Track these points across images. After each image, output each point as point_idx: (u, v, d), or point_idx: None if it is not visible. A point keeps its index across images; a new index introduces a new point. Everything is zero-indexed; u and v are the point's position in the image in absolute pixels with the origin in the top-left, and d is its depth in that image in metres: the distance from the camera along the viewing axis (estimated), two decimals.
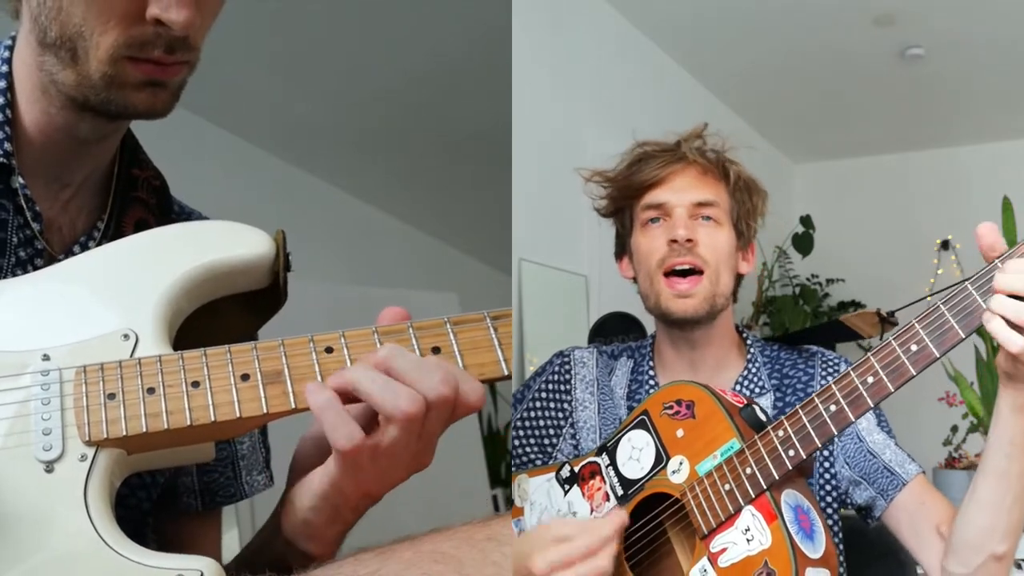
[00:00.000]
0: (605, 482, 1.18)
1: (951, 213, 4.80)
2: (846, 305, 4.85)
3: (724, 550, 1.04)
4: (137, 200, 1.10)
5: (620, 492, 1.16)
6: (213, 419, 0.85)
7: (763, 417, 1.10)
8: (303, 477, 0.90)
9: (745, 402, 1.12)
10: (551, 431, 1.37)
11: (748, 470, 1.05)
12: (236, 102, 3.52)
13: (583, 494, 1.19)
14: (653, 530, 1.14)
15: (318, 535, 0.90)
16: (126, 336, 0.89)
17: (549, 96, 3.12)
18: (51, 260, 1.01)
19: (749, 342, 1.37)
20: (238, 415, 0.86)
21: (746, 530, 1.04)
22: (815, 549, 1.03)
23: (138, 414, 0.85)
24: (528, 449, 1.37)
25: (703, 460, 1.09)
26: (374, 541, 0.84)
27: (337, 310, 2.41)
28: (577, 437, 1.35)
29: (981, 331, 0.96)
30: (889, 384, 0.99)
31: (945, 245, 4.87)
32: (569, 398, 1.38)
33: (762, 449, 1.05)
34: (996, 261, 0.95)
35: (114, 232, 1.07)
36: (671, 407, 1.15)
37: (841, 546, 1.31)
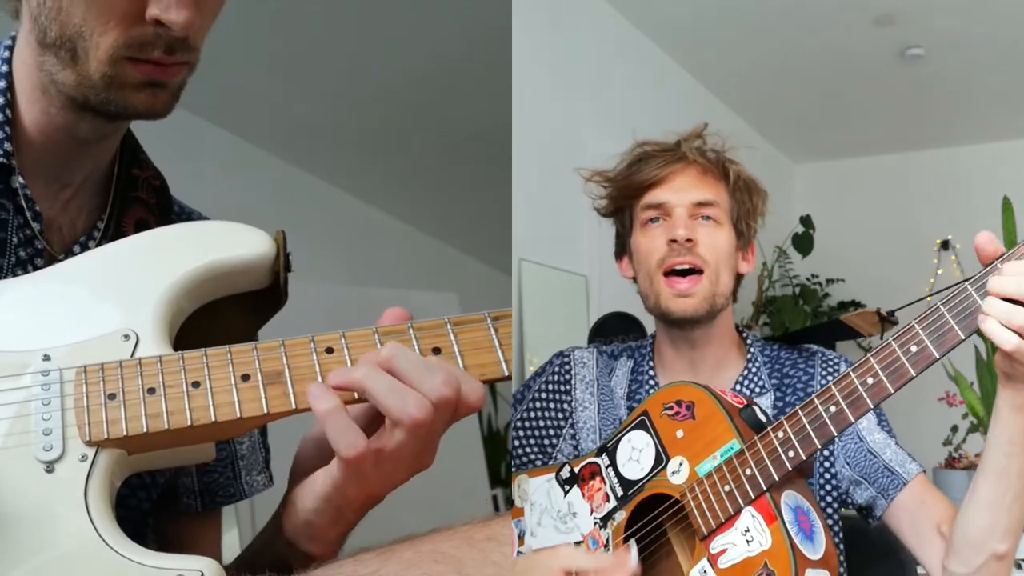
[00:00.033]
0: (605, 483, 1.18)
1: (951, 213, 4.80)
2: (846, 305, 4.85)
3: (724, 551, 1.04)
4: (137, 200, 1.10)
5: (620, 493, 1.16)
6: (214, 419, 0.85)
7: (763, 418, 1.10)
8: (305, 478, 0.90)
9: (745, 403, 1.12)
10: (551, 432, 1.37)
11: (748, 471, 1.05)
12: (236, 102, 3.52)
13: (583, 495, 1.19)
14: (653, 531, 1.14)
15: (320, 536, 0.90)
16: (126, 336, 0.89)
17: (549, 96, 3.12)
18: (51, 260, 1.01)
19: (749, 342, 1.37)
20: (239, 415, 0.86)
21: (746, 531, 1.04)
22: (815, 550, 1.03)
23: (139, 414, 0.85)
24: (528, 449, 1.37)
25: (703, 461, 1.09)
26: (375, 541, 0.84)
27: (337, 310, 2.41)
28: (577, 438, 1.35)
29: (981, 332, 0.96)
30: (889, 385, 0.99)
31: (945, 245, 4.87)
32: (569, 399, 1.38)
33: (762, 450, 1.05)
34: (996, 262, 0.96)
35: (114, 232, 1.07)
36: (671, 408, 1.15)
37: (841, 546, 1.31)
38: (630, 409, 1.32)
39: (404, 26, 3.21)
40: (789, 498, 1.05)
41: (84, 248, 1.04)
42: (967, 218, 4.55)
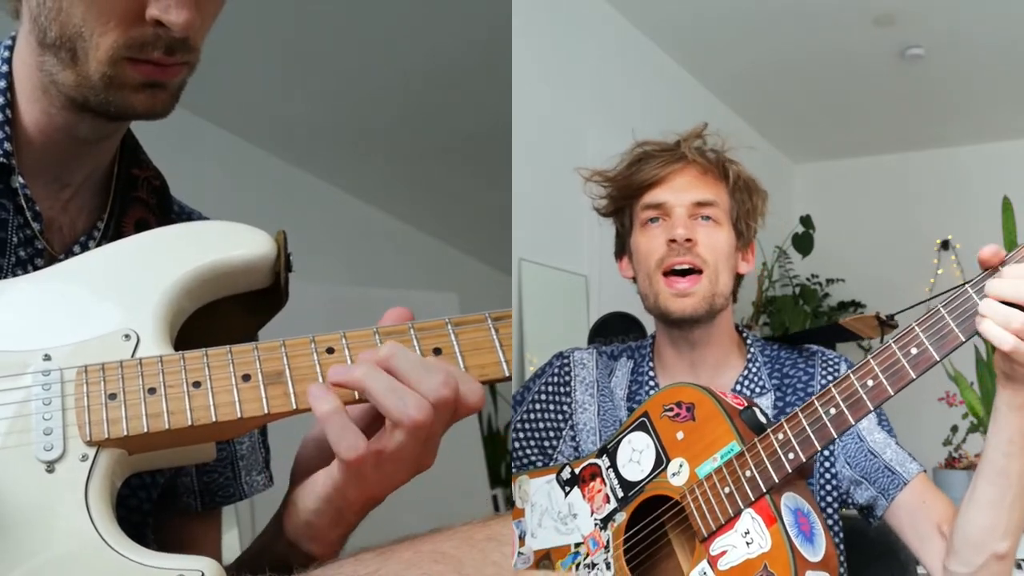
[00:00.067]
0: (605, 484, 1.18)
1: (951, 213, 4.81)
2: (846, 305, 4.85)
3: (724, 553, 1.04)
4: (137, 200, 1.10)
5: (620, 494, 1.16)
6: (214, 419, 0.85)
7: (763, 419, 1.10)
8: (306, 478, 0.90)
9: (745, 404, 1.12)
10: (551, 433, 1.37)
11: (748, 473, 1.05)
12: (236, 102, 3.52)
13: (583, 496, 1.19)
14: (653, 532, 1.14)
15: (321, 537, 0.90)
16: (127, 336, 0.89)
17: (549, 96, 3.12)
18: (51, 260, 1.01)
19: (749, 342, 1.37)
20: (239, 415, 0.86)
21: (746, 533, 1.04)
22: (815, 552, 1.03)
23: (139, 414, 0.85)
24: (528, 451, 1.37)
25: (703, 463, 1.09)
26: (375, 541, 0.84)
27: (337, 310, 2.41)
28: (577, 439, 1.35)
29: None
30: (889, 387, 0.99)
31: (945, 245, 4.88)
32: (569, 400, 1.38)
33: (762, 452, 1.05)
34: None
35: (114, 232, 1.07)
36: (671, 409, 1.15)
37: (842, 546, 1.31)
38: (630, 410, 1.32)
39: (404, 26, 3.21)
40: (789, 500, 1.05)
41: (84, 248, 1.04)
42: (967, 218, 4.57)
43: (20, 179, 0.99)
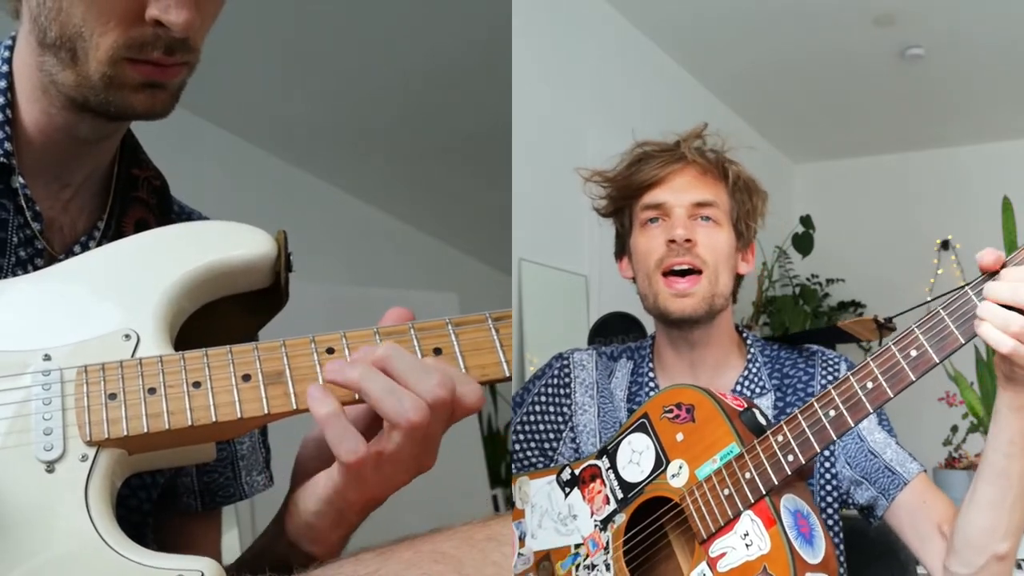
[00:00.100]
0: (605, 485, 1.18)
1: (951, 213, 4.81)
2: (846, 305, 4.85)
3: (723, 555, 1.04)
4: (137, 200, 1.10)
5: (620, 495, 1.16)
6: (214, 419, 0.85)
7: (763, 421, 1.10)
8: (307, 479, 0.90)
9: (745, 405, 1.12)
10: (551, 435, 1.37)
11: (747, 475, 1.05)
12: (236, 102, 3.52)
13: (583, 497, 1.19)
14: (653, 533, 1.14)
15: (322, 538, 0.90)
16: (127, 336, 0.89)
17: (549, 96, 3.12)
18: (51, 260, 1.01)
19: (749, 342, 1.36)
20: (239, 415, 0.86)
21: (745, 535, 1.04)
22: (814, 554, 1.03)
23: (139, 414, 0.85)
24: (528, 452, 1.37)
25: (703, 464, 1.09)
26: (374, 541, 0.84)
27: (337, 310, 2.41)
28: (577, 441, 1.35)
29: None
30: (888, 390, 0.99)
31: (945, 245, 4.87)
32: (569, 402, 1.38)
33: (761, 454, 1.05)
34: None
35: (114, 232, 1.07)
36: (671, 410, 1.15)
37: (842, 546, 1.31)
38: (630, 411, 1.32)
39: (404, 26, 3.21)
40: (789, 502, 1.05)
41: (84, 248, 1.04)
42: (967, 218, 4.58)
43: (20, 179, 0.99)
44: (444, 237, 4.53)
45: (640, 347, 1.40)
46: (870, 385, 1.00)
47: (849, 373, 1.02)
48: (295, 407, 0.87)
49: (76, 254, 1.01)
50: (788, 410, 1.27)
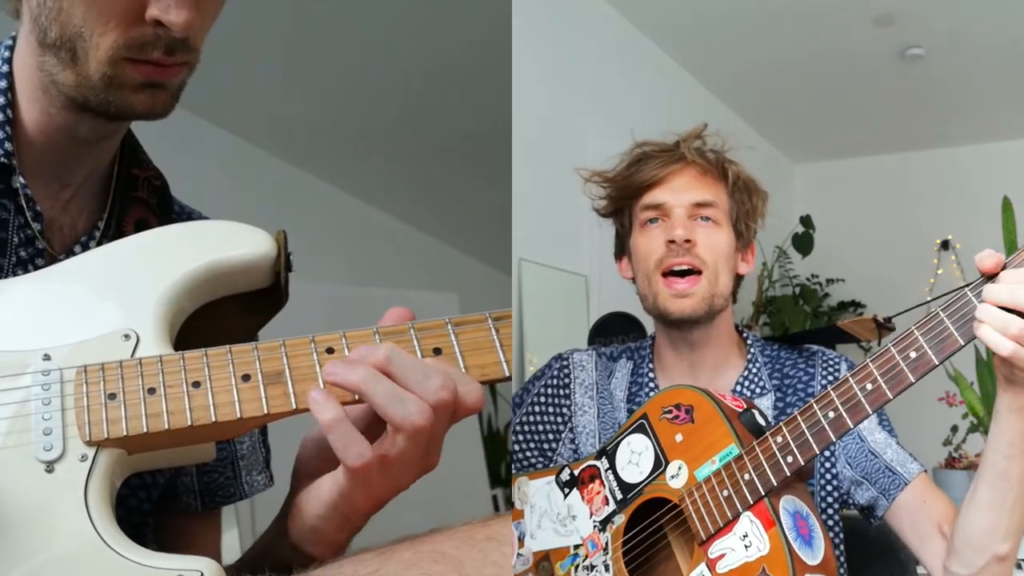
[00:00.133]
0: (604, 486, 1.18)
1: (951, 213, 4.81)
2: (846, 305, 4.85)
3: (722, 556, 1.04)
4: (137, 200, 1.10)
5: (619, 496, 1.16)
6: (214, 419, 0.85)
7: (762, 422, 1.10)
8: (308, 481, 0.90)
9: (744, 406, 1.12)
10: (550, 435, 1.37)
11: (746, 476, 1.05)
12: (236, 102, 3.52)
13: (582, 498, 1.19)
14: (653, 534, 1.14)
15: (326, 540, 0.90)
16: (127, 336, 0.89)
17: (549, 96, 3.12)
18: (52, 260, 1.01)
19: (749, 342, 1.36)
20: (239, 415, 0.86)
21: (744, 536, 1.04)
22: (813, 555, 1.03)
23: (139, 414, 0.85)
24: (528, 453, 1.37)
25: (702, 465, 1.09)
26: (374, 541, 0.84)
27: (337, 310, 2.41)
28: (576, 442, 1.35)
29: None
30: (888, 391, 0.99)
31: (945, 245, 4.88)
32: (568, 402, 1.38)
33: (760, 455, 1.05)
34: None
35: (114, 232, 1.07)
36: (670, 411, 1.15)
37: (842, 547, 1.31)
38: (630, 412, 1.32)
39: (404, 26, 3.21)
40: (788, 503, 1.05)
41: (85, 248, 1.04)
42: (967, 218, 4.58)
43: (21, 179, 0.99)
44: (444, 237, 4.53)
45: (640, 347, 1.40)
46: (869, 387, 1.00)
47: (848, 374, 1.01)
48: (295, 407, 0.87)
49: (76, 254, 1.01)
50: (788, 410, 1.27)
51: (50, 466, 0.82)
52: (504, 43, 2.66)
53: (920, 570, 1.36)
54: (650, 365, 1.36)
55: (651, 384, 1.35)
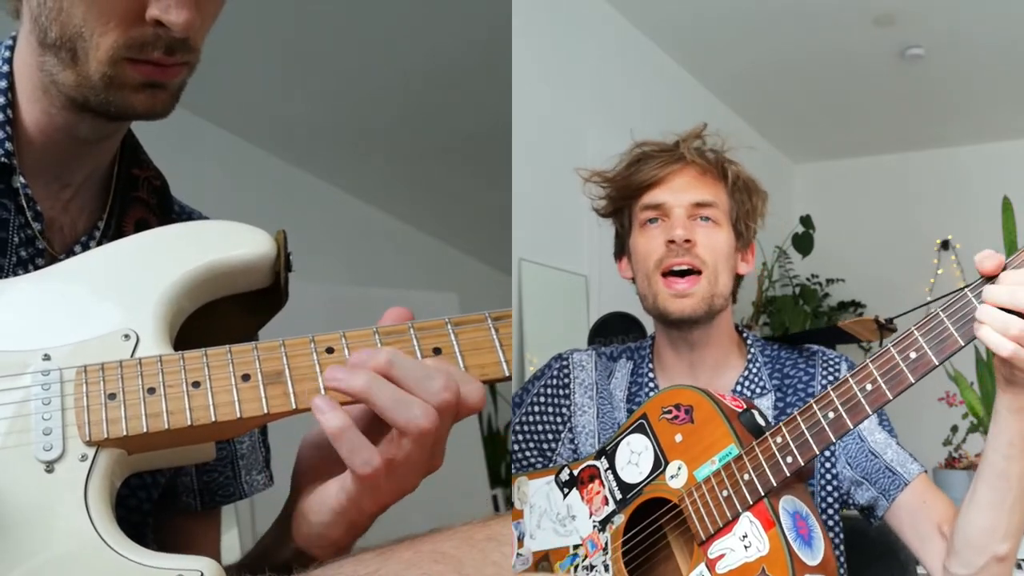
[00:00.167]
0: (604, 486, 1.18)
1: (951, 213, 4.81)
2: (846, 305, 4.85)
3: (722, 556, 1.04)
4: (137, 200, 1.10)
5: (619, 496, 1.16)
6: (214, 419, 0.85)
7: (762, 422, 1.10)
8: (309, 483, 0.89)
9: (744, 406, 1.12)
10: (550, 435, 1.37)
11: (746, 476, 1.05)
12: (236, 102, 3.52)
13: (582, 498, 1.19)
14: (652, 534, 1.14)
15: (332, 544, 0.89)
16: (127, 336, 0.89)
17: (549, 96, 3.12)
18: (52, 260, 1.01)
19: (749, 342, 1.36)
20: (239, 415, 0.86)
21: (744, 536, 1.04)
22: (813, 556, 1.03)
23: (139, 414, 0.85)
24: (528, 453, 1.37)
25: (701, 465, 1.09)
26: (374, 541, 0.84)
27: (337, 310, 2.41)
28: (576, 441, 1.35)
29: None
30: (888, 392, 0.99)
31: (945, 245, 4.88)
32: (568, 402, 1.38)
33: (760, 456, 1.05)
34: None
35: (115, 232, 1.07)
36: (670, 411, 1.15)
37: (842, 547, 1.31)
38: (629, 412, 1.32)
39: (404, 26, 3.21)
40: (788, 503, 1.05)
41: (85, 248, 1.05)
42: (967, 218, 4.58)
43: (21, 179, 0.99)
44: (444, 237, 4.53)
45: (640, 347, 1.40)
46: (869, 387, 1.00)
47: (848, 375, 1.01)
48: (294, 407, 0.87)
49: (76, 254, 1.01)
50: (788, 410, 1.27)
51: (50, 466, 0.82)
52: (504, 43, 2.66)
53: (920, 570, 1.36)
54: (650, 365, 1.36)
55: (651, 384, 1.35)
